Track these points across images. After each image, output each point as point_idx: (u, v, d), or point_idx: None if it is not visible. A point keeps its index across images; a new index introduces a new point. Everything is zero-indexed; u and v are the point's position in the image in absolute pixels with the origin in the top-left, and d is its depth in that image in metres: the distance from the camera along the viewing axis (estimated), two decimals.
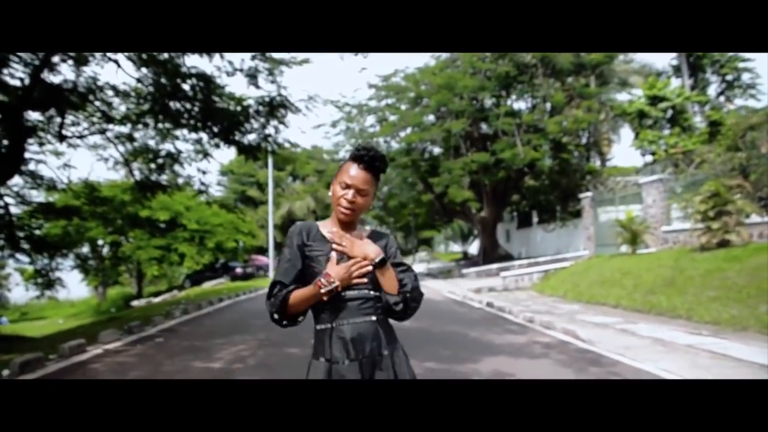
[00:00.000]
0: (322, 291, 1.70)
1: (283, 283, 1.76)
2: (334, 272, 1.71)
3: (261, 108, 10.90)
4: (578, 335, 7.53)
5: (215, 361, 6.20)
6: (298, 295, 1.74)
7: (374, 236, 1.90)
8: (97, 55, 9.82)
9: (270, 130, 11.28)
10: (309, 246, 1.80)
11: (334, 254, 1.77)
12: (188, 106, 10.84)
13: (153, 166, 12.41)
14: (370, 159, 1.77)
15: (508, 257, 24.41)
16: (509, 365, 5.80)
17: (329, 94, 52.71)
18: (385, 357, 1.76)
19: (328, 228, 1.85)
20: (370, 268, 1.74)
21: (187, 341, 7.78)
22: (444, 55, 23.12)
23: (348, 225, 1.85)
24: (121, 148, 12.29)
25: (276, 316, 1.76)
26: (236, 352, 6.73)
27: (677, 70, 24.85)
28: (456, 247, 46.14)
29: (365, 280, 1.77)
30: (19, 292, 26.24)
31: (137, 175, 12.65)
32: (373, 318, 1.78)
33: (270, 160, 24.72)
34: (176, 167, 12.50)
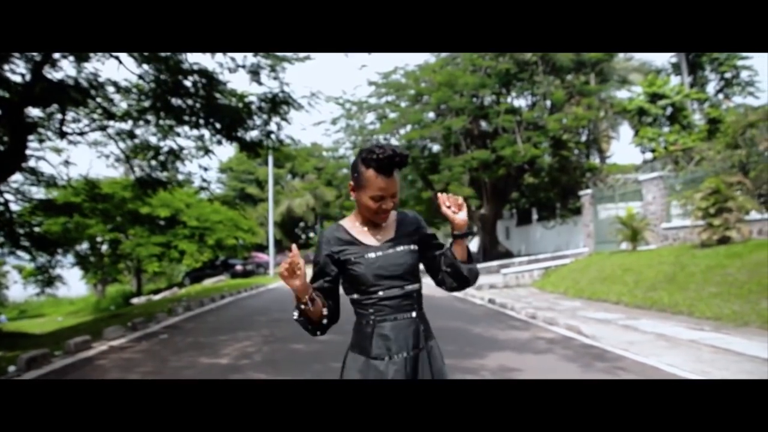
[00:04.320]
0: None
1: None
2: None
3: (264, 104, 10.89)
4: (581, 331, 7.57)
5: (221, 357, 6.22)
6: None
7: (401, 217, 1.88)
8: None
9: (272, 127, 11.28)
10: (341, 251, 1.77)
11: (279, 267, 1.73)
12: (190, 102, 10.83)
13: (154, 162, 12.38)
14: (391, 163, 1.68)
15: (508, 254, 24.46)
16: (515, 360, 5.84)
17: (329, 91, 52.47)
18: (422, 352, 1.78)
19: (351, 226, 1.82)
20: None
21: (192, 337, 7.80)
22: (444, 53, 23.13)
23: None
24: (122, 145, 12.25)
25: (294, 316, 1.73)
26: (242, 349, 6.75)
27: (676, 68, 24.89)
28: None
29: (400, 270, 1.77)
30: (17, 290, 26.20)
31: (138, 171, 12.61)
32: (413, 314, 1.79)
33: (270, 157, 24.67)
34: (177, 164, 12.47)
